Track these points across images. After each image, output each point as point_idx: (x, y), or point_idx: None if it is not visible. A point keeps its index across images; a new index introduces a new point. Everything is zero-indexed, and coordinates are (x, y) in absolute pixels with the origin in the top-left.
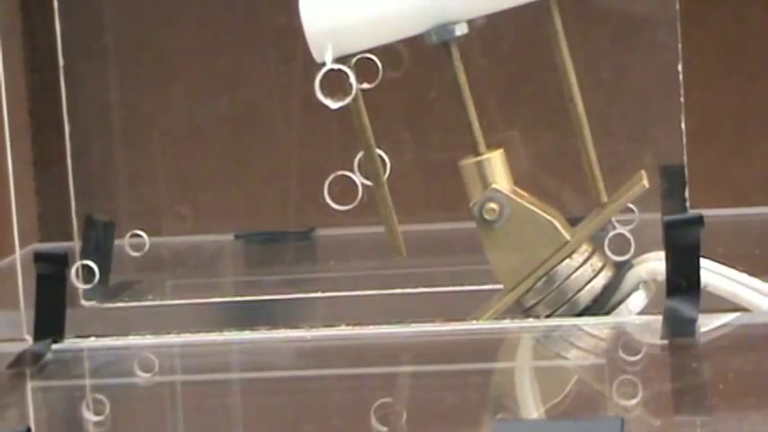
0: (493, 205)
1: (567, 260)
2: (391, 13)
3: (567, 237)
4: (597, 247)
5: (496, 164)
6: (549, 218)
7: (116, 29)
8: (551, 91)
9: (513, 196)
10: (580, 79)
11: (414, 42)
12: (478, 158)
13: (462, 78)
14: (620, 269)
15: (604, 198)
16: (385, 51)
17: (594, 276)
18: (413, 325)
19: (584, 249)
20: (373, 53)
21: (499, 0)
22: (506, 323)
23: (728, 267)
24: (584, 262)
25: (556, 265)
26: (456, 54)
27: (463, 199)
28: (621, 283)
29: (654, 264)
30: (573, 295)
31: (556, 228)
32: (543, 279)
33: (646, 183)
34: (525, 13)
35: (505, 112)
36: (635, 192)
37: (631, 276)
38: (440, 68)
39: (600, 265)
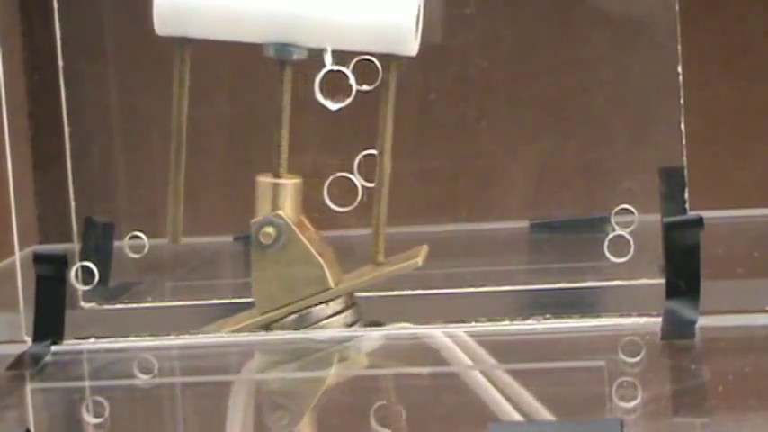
0: (270, 230)
1: (324, 305)
2: (237, 14)
3: (331, 283)
4: (355, 304)
5: (290, 191)
6: (320, 260)
7: (116, 30)
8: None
9: (294, 227)
10: (580, 80)
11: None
12: (275, 180)
13: (287, 99)
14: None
15: (381, 258)
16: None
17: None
18: (412, 326)
19: (343, 301)
20: (372, 55)
21: (339, 41)
22: (516, 324)
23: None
24: (340, 312)
25: (310, 307)
26: (288, 75)
27: (462, 200)
28: None
29: None
30: None
31: (323, 271)
32: (295, 316)
33: (420, 261)
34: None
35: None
36: (408, 265)
37: None
38: (439, 70)
39: (351, 320)
